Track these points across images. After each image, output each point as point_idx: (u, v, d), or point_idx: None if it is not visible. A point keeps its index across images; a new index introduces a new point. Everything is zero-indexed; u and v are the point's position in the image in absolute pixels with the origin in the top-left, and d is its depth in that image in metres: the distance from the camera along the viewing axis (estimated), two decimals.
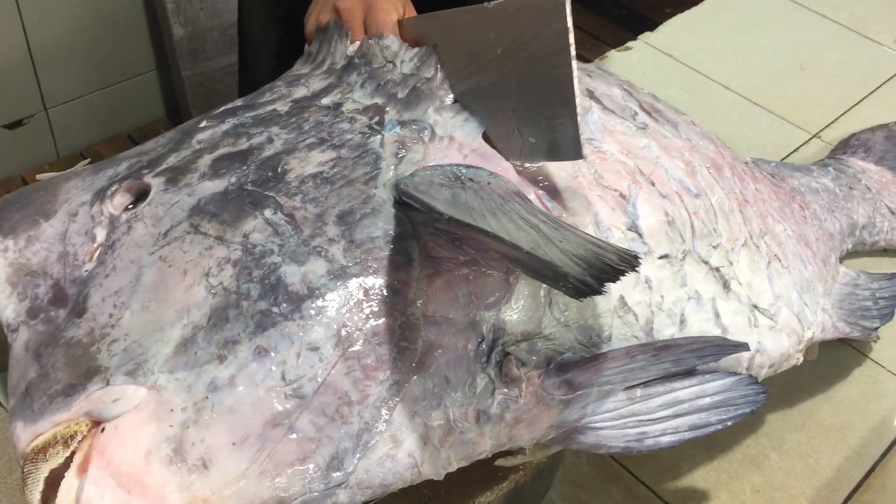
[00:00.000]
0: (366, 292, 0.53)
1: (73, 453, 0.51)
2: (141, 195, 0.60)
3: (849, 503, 0.74)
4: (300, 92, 0.66)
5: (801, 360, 0.75)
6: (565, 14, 0.55)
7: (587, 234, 0.51)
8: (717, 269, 0.68)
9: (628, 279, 0.62)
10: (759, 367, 0.69)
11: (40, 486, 0.51)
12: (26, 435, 0.52)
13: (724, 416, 0.60)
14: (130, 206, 0.60)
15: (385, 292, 0.54)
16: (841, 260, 0.92)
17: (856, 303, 0.87)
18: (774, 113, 1.13)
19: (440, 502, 0.61)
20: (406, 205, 0.56)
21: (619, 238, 0.62)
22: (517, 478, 0.63)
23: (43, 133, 1.93)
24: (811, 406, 0.82)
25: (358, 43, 0.67)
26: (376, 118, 0.62)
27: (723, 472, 0.76)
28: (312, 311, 0.52)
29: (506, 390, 0.55)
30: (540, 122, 0.59)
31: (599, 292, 0.45)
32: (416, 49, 0.65)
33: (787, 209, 0.83)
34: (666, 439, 0.59)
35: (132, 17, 1.93)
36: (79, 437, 0.51)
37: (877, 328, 0.85)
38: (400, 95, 0.63)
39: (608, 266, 0.47)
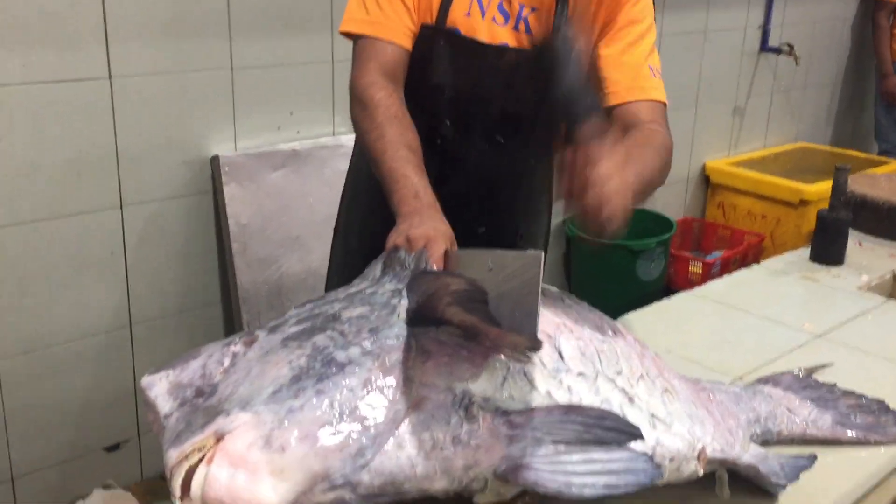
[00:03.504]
0: (382, 363, 0.90)
1: (203, 456, 0.84)
2: (253, 343, 1.00)
3: None
4: (353, 289, 1.08)
5: (702, 473, 1.03)
6: (540, 265, 0.97)
7: None
8: (623, 389, 1.01)
9: (554, 389, 0.96)
10: (661, 457, 0.98)
11: (181, 477, 0.83)
12: (174, 454, 0.85)
13: (629, 481, 0.90)
14: (247, 347, 0.99)
15: (393, 363, 0.90)
16: None
17: (766, 467, 1.15)
18: (704, 365, 1.50)
19: None
20: (411, 321, 0.94)
21: (547, 358, 0.98)
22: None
23: (133, 457, 2.31)
24: None
25: (385, 255, 1.12)
26: (396, 293, 1.04)
27: None
28: (350, 371, 0.89)
29: (469, 425, 0.88)
30: (511, 322, 0.97)
31: None
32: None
33: (689, 388, 1.16)
34: (587, 491, 0.88)
35: None
36: (208, 448, 0.84)
37: (784, 485, 1.12)
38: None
39: None
